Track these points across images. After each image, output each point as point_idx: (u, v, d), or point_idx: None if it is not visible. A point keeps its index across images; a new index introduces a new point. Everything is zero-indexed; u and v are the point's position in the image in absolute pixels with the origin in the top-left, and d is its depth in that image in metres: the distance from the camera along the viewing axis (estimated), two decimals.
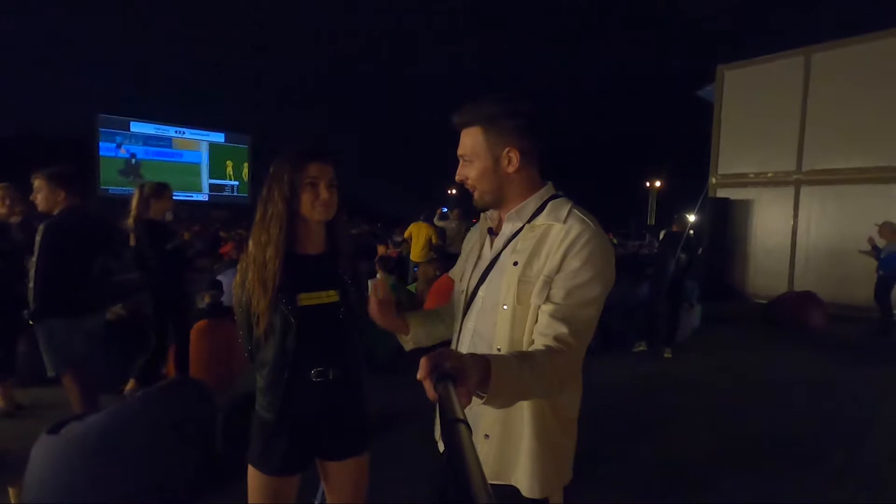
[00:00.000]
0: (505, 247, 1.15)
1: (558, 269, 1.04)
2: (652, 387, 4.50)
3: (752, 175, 10.27)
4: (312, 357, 1.38)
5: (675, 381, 4.67)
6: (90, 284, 2.63)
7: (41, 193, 2.69)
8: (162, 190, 3.59)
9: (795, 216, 9.60)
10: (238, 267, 1.43)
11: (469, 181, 1.17)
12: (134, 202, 3.50)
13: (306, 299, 1.38)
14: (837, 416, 3.89)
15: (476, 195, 1.17)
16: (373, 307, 1.29)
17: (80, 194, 2.74)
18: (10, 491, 2.37)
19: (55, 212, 2.67)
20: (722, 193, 10.58)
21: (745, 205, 10.26)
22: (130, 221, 3.49)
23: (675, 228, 5.77)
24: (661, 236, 6.01)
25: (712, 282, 9.23)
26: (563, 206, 1.11)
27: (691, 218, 6.47)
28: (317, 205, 1.36)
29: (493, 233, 1.23)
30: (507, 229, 1.17)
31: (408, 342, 1.34)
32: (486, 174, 1.13)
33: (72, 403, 2.76)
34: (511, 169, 1.12)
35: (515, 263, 1.09)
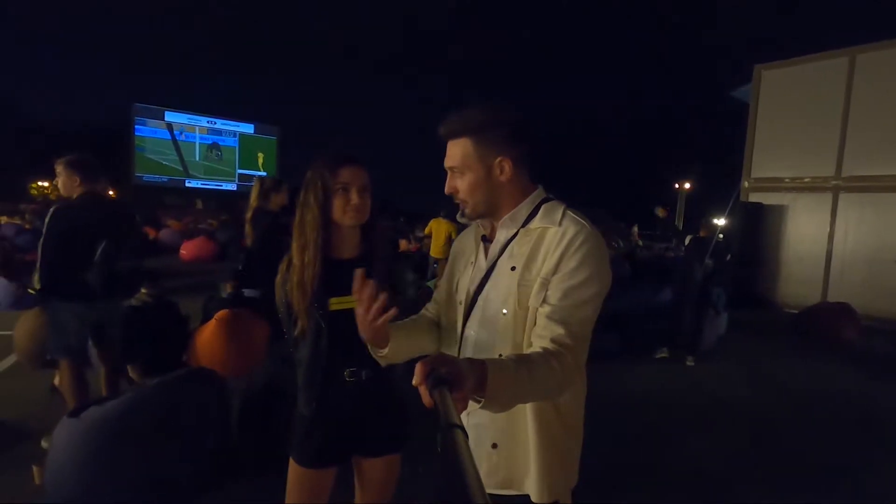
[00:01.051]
0: (501, 253, 1.14)
1: (555, 271, 1.04)
2: (674, 395, 4.40)
3: (787, 179, 9.91)
4: (345, 358, 1.41)
5: (698, 390, 4.55)
6: (95, 271, 2.64)
7: (60, 179, 2.79)
8: (280, 184, 3.66)
9: (832, 224, 9.24)
10: (279, 267, 1.46)
11: (459, 194, 1.14)
12: (254, 195, 3.58)
13: (337, 304, 1.40)
14: (866, 434, 3.74)
15: (468, 208, 1.15)
16: (366, 315, 1.05)
17: (96, 181, 2.80)
18: (35, 469, 2.48)
19: (74, 197, 2.74)
20: (755, 198, 10.25)
21: (779, 210, 9.92)
22: (249, 214, 3.56)
23: (702, 233, 5.61)
24: (687, 241, 5.83)
25: (740, 289, 8.94)
26: (557, 209, 1.11)
27: (720, 222, 6.28)
28: (348, 209, 1.38)
29: (486, 240, 1.21)
30: (501, 236, 1.16)
31: (383, 357, 1.19)
32: (479, 185, 1.12)
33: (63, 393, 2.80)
34: (504, 178, 1.11)
35: (513, 268, 1.09)
